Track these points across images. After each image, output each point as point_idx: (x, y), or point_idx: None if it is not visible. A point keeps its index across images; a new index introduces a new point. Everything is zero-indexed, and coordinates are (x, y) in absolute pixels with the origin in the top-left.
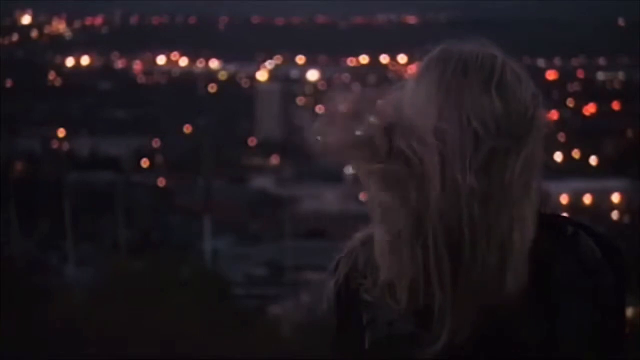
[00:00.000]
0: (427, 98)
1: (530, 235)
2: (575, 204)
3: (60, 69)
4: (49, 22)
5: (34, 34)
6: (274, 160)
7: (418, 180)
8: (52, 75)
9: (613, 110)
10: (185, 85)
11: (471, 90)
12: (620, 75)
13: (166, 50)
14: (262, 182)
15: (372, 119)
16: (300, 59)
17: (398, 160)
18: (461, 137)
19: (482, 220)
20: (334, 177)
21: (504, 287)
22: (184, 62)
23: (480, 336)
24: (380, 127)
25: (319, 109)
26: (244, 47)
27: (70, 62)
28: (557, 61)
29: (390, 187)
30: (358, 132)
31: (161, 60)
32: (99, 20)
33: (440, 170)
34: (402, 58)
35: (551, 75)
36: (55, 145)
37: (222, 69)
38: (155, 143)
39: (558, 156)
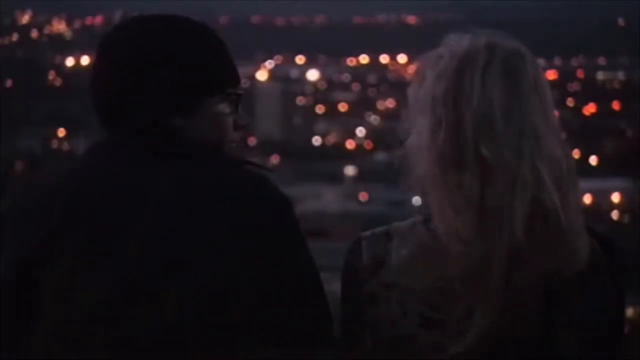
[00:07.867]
0: (431, 91)
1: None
2: None
3: (60, 69)
4: (49, 22)
5: (34, 34)
6: (274, 160)
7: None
8: (52, 75)
9: (613, 110)
10: None
11: (474, 77)
12: (620, 75)
13: None
14: None
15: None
16: (300, 59)
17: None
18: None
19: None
20: (334, 177)
21: (513, 287)
22: None
23: (484, 335)
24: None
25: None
26: (244, 47)
27: (70, 62)
28: (557, 61)
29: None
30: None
31: None
32: (99, 20)
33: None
34: (402, 58)
35: (551, 75)
36: (55, 145)
37: None
38: None
39: None
